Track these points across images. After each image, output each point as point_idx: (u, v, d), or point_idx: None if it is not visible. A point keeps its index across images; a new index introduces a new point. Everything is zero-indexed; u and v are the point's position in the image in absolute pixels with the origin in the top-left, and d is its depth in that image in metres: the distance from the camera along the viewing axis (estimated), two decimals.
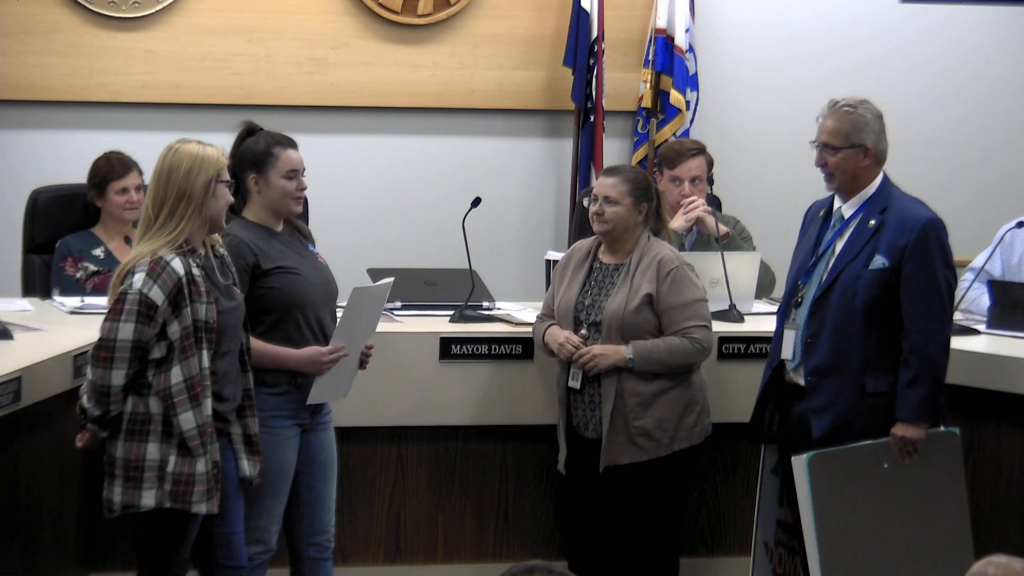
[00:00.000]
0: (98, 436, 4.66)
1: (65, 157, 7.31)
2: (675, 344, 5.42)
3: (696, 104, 8.00)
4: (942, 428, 5.23)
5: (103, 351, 4.58)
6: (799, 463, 5.09)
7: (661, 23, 7.93)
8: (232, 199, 4.81)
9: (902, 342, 5.15)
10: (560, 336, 5.47)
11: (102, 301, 5.99)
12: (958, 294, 6.22)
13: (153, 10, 7.57)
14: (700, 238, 6.54)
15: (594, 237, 5.59)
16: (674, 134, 7.90)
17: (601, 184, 5.53)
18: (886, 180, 5.30)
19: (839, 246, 5.24)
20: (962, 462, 5.32)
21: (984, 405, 5.77)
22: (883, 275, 5.16)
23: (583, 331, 5.46)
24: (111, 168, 6.36)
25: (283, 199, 5.17)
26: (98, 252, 6.32)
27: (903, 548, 5.23)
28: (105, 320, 4.61)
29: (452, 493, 5.91)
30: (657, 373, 5.41)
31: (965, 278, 6.32)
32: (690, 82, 7.99)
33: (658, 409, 5.43)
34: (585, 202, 5.62)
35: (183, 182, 4.66)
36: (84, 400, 4.66)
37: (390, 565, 5.91)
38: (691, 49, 7.97)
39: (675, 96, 7.94)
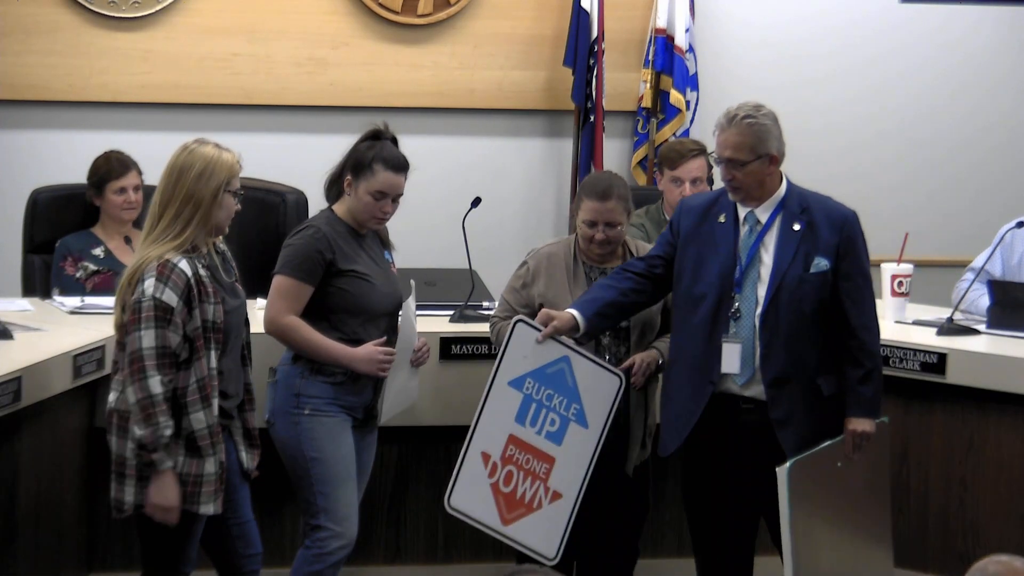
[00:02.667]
0: (167, 470, 4.59)
1: (65, 157, 7.31)
2: None
3: (696, 104, 8.00)
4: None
5: (134, 364, 4.56)
6: (782, 472, 5.08)
7: (661, 23, 7.93)
8: (237, 208, 4.81)
9: (848, 340, 5.14)
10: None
11: (102, 301, 6.01)
12: (957, 294, 6.24)
13: (153, 10, 7.57)
14: None
15: (564, 241, 5.49)
16: (674, 134, 7.90)
17: (602, 211, 5.35)
18: (791, 182, 5.24)
19: (766, 253, 5.17)
20: (889, 447, 5.33)
21: (984, 405, 5.77)
22: (826, 277, 5.13)
23: (606, 340, 5.34)
24: (109, 168, 6.36)
25: (363, 214, 5.17)
26: (98, 252, 6.32)
27: (846, 537, 5.26)
28: (127, 335, 4.59)
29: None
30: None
31: (965, 278, 6.32)
32: (690, 82, 7.99)
33: (656, 407, 5.44)
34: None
35: (192, 185, 4.66)
36: (136, 432, 4.58)
37: (390, 565, 5.91)
38: (691, 49, 7.98)
39: (675, 96, 7.95)
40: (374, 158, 5.15)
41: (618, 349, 5.36)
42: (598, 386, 5.18)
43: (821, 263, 5.14)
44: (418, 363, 5.28)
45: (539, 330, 5.13)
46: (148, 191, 6.48)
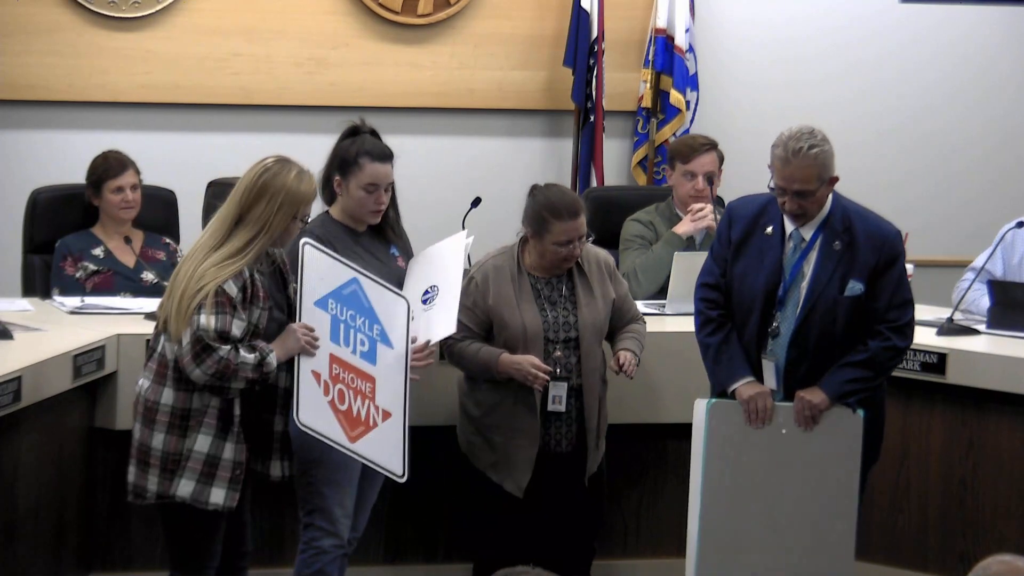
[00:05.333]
0: (277, 359, 4.77)
1: (65, 157, 7.30)
2: (643, 330, 5.54)
3: (696, 104, 8.00)
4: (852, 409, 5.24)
5: (196, 345, 4.65)
6: (700, 406, 5.16)
7: (661, 23, 7.93)
8: (296, 232, 4.88)
9: (879, 335, 5.11)
10: (525, 363, 5.29)
11: (102, 301, 6.02)
12: (958, 294, 6.24)
13: (153, 10, 7.57)
14: (708, 237, 6.53)
15: (508, 252, 5.44)
16: (674, 134, 7.90)
17: (577, 228, 5.31)
18: (836, 195, 5.19)
19: (807, 270, 5.15)
20: (860, 443, 5.26)
21: (984, 405, 5.77)
22: (859, 300, 5.12)
23: (557, 352, 5.36)
24: (107, 167, 6.35)
25: (359, 209, 5.21)
26: (98, 251, 6.31)
27: (784, 511, 5.24)
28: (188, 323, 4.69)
29: (451, 494, 5.90)
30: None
31: (965, 278, 6.32)
32: (690, 82, 7.99)
33: (606, 408, 5.51)
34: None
35: (268, 212, 4.74)
36: (238, 386, 4.71)
37: (390, 565, 5.91)
38: (691, 49, 7.97)
39: (675, 96, 7.94)
40: (358, 153, 5.19)
41: (568, 360, 5.38)
42: (389, 308, 5.05)
43: (856, 287, 5.12)
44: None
45: (327, 253, 4.98)
46: (147, 191, 6.48)
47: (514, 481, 5.36)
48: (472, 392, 5.46)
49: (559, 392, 5.36)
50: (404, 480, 5.01)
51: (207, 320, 4.63)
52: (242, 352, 4.69)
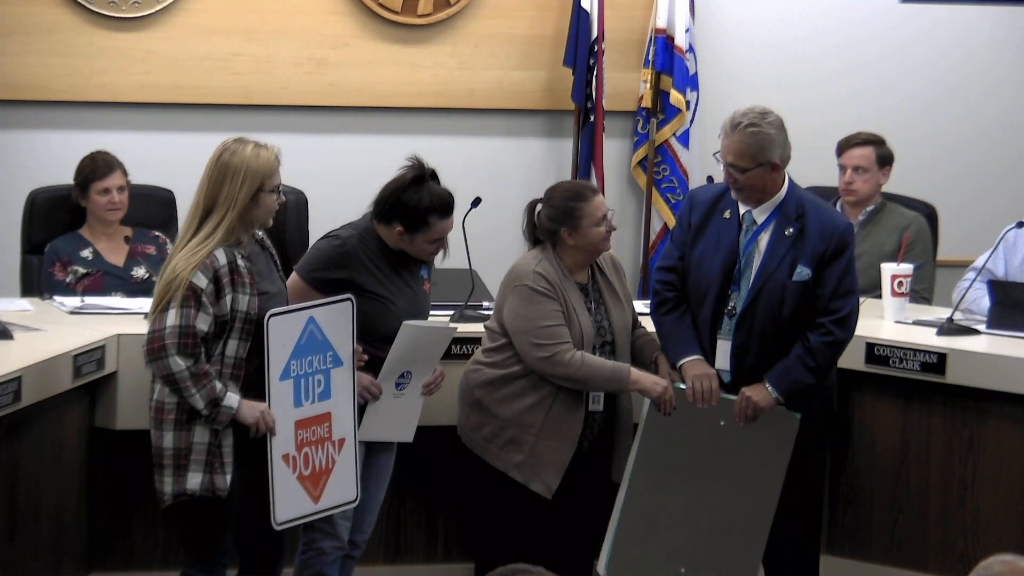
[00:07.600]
0: (233, 413, 4.72)
1: (65, 157, 7.27)
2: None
3: (696, 104, 7.99)
4: (790, 411, 5.31)
5: (154, 343, 4.66)
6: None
7: (661, 23, 7.93)
8: (280, 201, 4.86)
9: (820, 328, 5.22)
10: (664, 381, 5.32)
11: (102, 301, 6.01)
12: (958, 294, 6.24)
13: (153, 10, 7.57)
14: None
15: (546, 258, 5.36)
16: (674, 134, 7.91)
17: (604, 202, 5.37)
18: (792, 183, 5.31)
19: (757, 253, 5.26)
20: (792, 444, 5.31)
21: (984, 405, 5.77)
22: (807, 286, 5.22)
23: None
24: (94, 168, 6.32)
25: (419, 255, 5.21)
26: (86, 253, 6.28)
27: (708, 499, 5.33)
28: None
29: (452, 493, 5.90)
30: None
31: (966, 278, 6.32)
32: (690, 82, 7.99)
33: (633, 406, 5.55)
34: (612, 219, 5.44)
35: (231, 189, 4.74)
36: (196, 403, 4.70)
37: (390, 565, 5.91)
38: (691, 49, 7.97)
39: (675, 96, 7.94)
40: (427, 211, 5.13)
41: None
42: (337, 321, 5.03)
43: (803, 272, 5.22)
44: (428, 392, 5.33)
45: (288, 310, 4.95)
46: (137, 191, 6.47)
47: (543, 482, 5.32)
48: (499, 390, 5.39)
49: (599, 393, 5.38)
50: (356, 503, 5.09)
51: (174, 317, 4.65)
52: (197, 393, 4.67)
